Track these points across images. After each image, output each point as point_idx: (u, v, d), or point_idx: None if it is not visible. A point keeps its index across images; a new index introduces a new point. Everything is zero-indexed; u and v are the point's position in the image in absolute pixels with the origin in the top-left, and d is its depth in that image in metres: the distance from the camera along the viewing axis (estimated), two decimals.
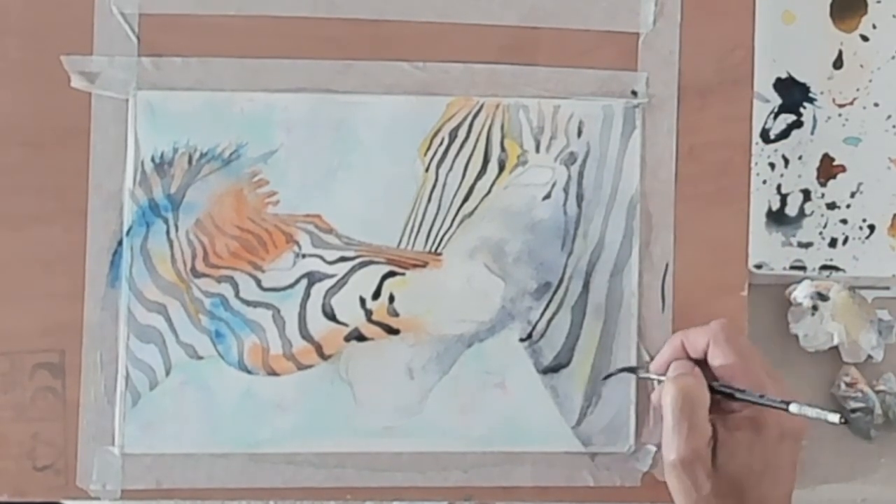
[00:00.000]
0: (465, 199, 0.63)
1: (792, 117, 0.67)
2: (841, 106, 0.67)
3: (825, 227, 0.66)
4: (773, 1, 0.65)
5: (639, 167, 0.63)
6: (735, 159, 0.64)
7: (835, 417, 0.50)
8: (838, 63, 0.67)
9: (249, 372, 0.62)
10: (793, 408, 0.52)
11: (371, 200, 0.62)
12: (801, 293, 0.65)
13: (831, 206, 0.66)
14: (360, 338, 0.62)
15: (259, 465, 0.62)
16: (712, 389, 0.54)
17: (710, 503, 0.52)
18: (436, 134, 0.63)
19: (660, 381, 0.56)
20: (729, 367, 0.54)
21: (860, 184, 0.67)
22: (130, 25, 0.61)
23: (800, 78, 0.66)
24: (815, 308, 0.65)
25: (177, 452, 0.61)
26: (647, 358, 0.63)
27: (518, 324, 0.63)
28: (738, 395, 0.54)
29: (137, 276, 0.61)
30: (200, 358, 0.61)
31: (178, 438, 0.61)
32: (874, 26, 0.67)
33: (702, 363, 0.56)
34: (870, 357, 0.66)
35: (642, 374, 0.61)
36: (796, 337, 0.66)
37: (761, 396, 0.53)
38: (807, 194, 0.66)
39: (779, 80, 0.66)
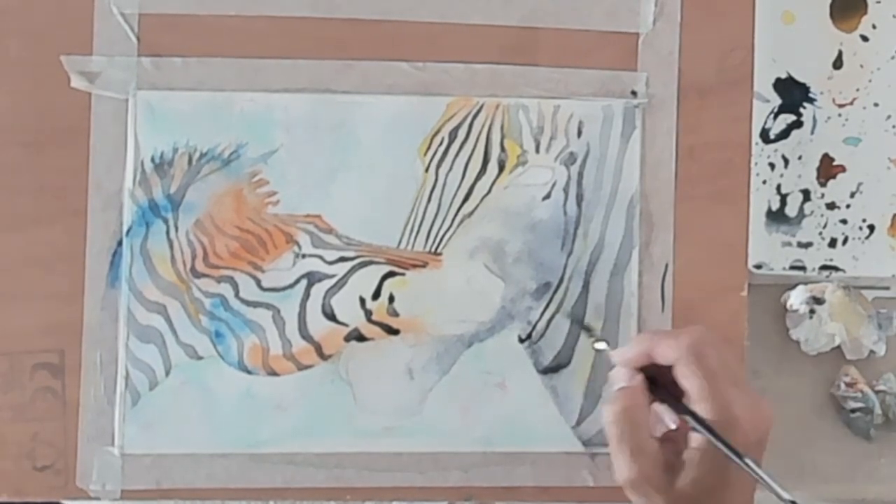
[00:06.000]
0: (465, 200, 0.63)
1: (792, 117, 0.67)
2: (841, 106, 0.67)
3: (825, 227, 0.66)
4: (772, 1, 0.65)
5: (638, 167, 0.63)
6: (735, 159, 0.64)
7: (787, 495, 0.47)
8: (838, 63, 0.67)
9: (249, 372, 0.62)
10: (743, 462, 0.48)
11: (371, 201, 0.62)
12: (797, 299, 0.65)
13: (831, 206, 0.66)
14: (360, 338, 0.62)
15: (259, 465, 0.62)
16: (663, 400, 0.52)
17: None
18: (435, 134, 0.63)
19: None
20: (695, 390, 0.50)
21: (860, 184, 0.67)
22: (130, 25, 0.61)
23: (799, 78, 0.66)
24: (812, 312, 0.65)
25: (177, 452, 0.61)
26: None
27: (518, 324, 0.63)
28: (689, 421, 0.50)
29: (137, 276, 0.61)
30: (200, 358, 0.61)
31: (178, 438, 0.61)
32: (874, 26, 0.67)
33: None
34: (872, 352, 0.66)
35: (599, 346, 0.59)
36: (797, 340, 0.66)
37: (712, 432, 0.49)
38: (806, 194, 0.66)
39: (779, 80, 0.66)
